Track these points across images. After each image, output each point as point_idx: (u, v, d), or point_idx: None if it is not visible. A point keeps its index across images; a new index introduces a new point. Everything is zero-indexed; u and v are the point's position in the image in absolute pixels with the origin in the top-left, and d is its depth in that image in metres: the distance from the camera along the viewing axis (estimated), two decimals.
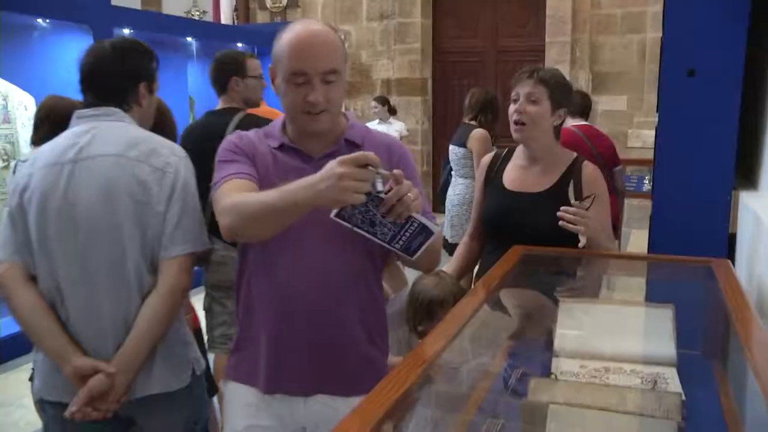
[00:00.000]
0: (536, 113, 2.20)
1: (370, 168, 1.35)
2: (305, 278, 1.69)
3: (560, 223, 2.04)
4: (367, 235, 1.50)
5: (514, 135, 2.26)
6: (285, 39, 1.63)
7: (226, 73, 3.22)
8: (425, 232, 1.49)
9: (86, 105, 1.95)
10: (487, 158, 2.46)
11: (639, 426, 1.35)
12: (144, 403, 1.90)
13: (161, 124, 2.43)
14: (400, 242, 1.52)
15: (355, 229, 1.48)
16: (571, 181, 2.23)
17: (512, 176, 2.34)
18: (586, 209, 2.05)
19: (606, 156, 4.15)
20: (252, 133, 1.76)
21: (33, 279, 1.87)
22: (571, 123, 4.20)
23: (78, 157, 1.84)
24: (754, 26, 2.44)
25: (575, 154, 2.32)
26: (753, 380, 1.31)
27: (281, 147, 1.72)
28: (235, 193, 1.60)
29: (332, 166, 1.36)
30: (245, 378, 1.80)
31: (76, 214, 1.81)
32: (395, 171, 1.42)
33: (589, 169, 2.27)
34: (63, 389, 1.85)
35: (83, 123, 1.91)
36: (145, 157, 1.84)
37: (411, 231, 1.49)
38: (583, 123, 4.28)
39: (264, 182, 1.65)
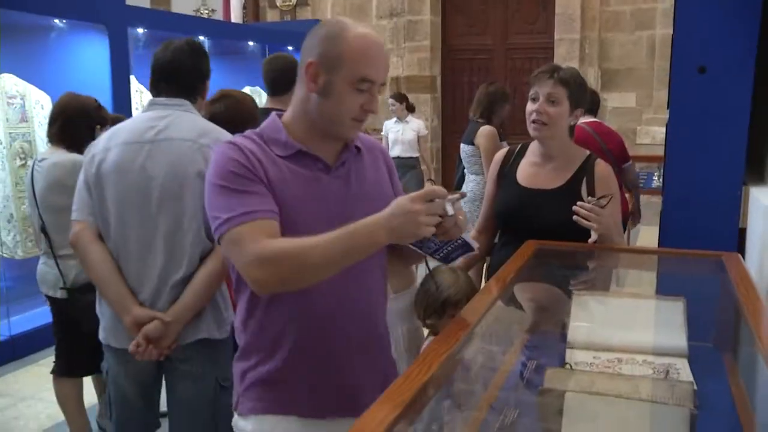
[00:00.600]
0: (556, 114, 2.23)
1: (437, 199, 1.40)
2: (346, 299, 1.61)
3: (574, 218, 2.08)
4: (414, 247, 1.56)
5: (533, 133, 2.28)
6: (352, 41, 1.50)
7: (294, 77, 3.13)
8: (466, 247, 1.57)
9: (158, 94, 2.24)
10: (501, 153, 2.48)
11: (653, 413, 1.40)
12: (190, 348, 2.16)
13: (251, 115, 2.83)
14: (442, 254, 1.60)
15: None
16: (584, 178, 2.26)
17: (526, 172, 2.36)
18: (602, 207, 2.09)
19: (616, 152, 4.17)
20: (249, 143, 1.54)
21: (101, 238, 2.15)
22: (581, 120, 4.22)
23: (156, 138, 2.11)
24: (765, 23, 2.47)
25: (588, 152, 2.35)
26: (764, 370, 1.35)
27: (294, 154, 1.56)
28: (267, 240, 1.44)
29: (404, 205, 1.37)
30: (286, 408, 1.63)
31: (150, 186, 2.09)
32: (461, 192, 1.50)
33: (601, 166, 2.30)
34: (125, 337, 2.15)
35: (158, 110, 2.19)
36: (213, 143, 2.07)
37: (454, 246, 1.56)
38: (593, 120, 4.30)
39: (283, 199, 1.51)
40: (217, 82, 7.48)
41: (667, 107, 2.68)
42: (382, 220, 1.38)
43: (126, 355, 2.14)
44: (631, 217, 4.61)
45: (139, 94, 5.77)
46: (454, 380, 1.51)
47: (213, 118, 2.77)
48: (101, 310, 2.26)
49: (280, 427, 1.62)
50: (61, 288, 3.00)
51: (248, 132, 1.59)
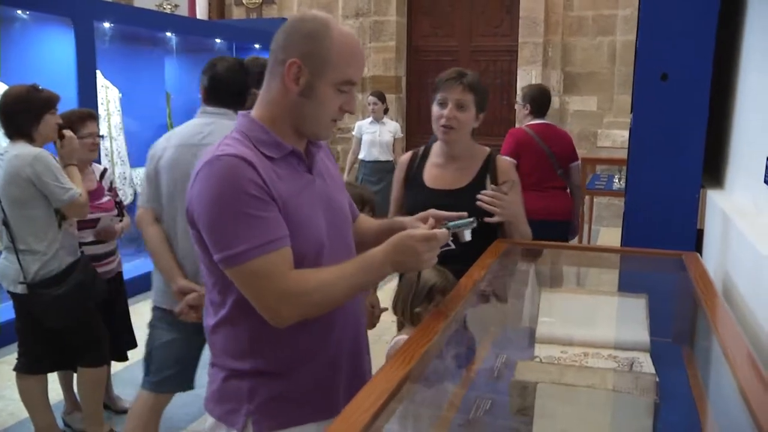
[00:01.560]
0: (464, 119, 2.32)
1: (439, 237, 1.53)
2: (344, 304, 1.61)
3: (478, 203, 2.20)
4: None
5: (441, 137, 2.37)
6: (338, 42, 1.48)
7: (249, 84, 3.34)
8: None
9: (209, 103, 2.64)
10: (406, 157, 2.55)
11: (619, 403, 1.47)
12: None
13: None
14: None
15: None
16: (488, 175, 2.38)
17: (432, 174, 2.44)
18: (505, 194, 2.24)
19: (560, 155, 4.19)
20: (250, 153, 1.45)
21: (158, 220, 2.60)
22: (528, 122, 4.26)
23: (201, 142, 2.50)
24: (722, 35, 2.58)
25: (489, 150, 2.47)
26: (720, 362, 1.43)
27: (286, 155, 1.52)
28: (293, 275, 1.43)
29: (408, 245, 1.48)
30: (305, 418, 1.59)
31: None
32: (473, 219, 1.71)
33: (502, 161, 2.45)
34: (171, 300, 2.58)
35: (206, 117, 2.63)
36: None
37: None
38: (541, 122, 4.27)
39: (286, 207, 1.47)
40: (183, 80, 7.43)
41: (631, 112, 2.78)
42: (389, 256, 1.48)
43: (172, 314, 2.57)
44: (569, 224, 4.43)
45: (105, 89, 5.70)
46: (428, 376, 1.56)
47: None
48: (155, 276, 2.69)
49: None
50: (21, 283, 2.97)
51: (233, 136, 1.51)
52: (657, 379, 1.60)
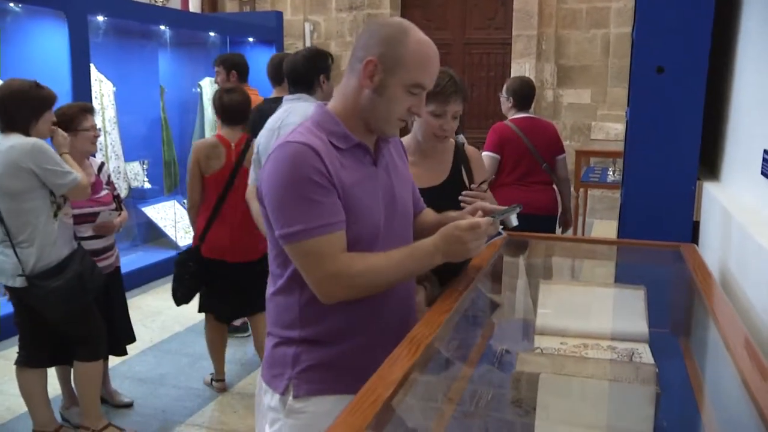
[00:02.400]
0: (455, 126, 2.34)
1: (483, 225, 1.63)
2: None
3: (462, 204, 2.19)
4: None
5: (432, 142, 2.34)
6: (413, 48, 1.59)
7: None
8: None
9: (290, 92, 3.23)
10: None
11: (621, 393, 1.49)
12: None
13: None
14: None
15: None
16: (462, 167, 2.41)
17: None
18: (485, 192, 2.29)
19: (543, 148, 4.13)
20: (318, 142, 1.56)
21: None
22: (512, 116, 4.21)
23: (280, 125, 3.03)
24: (718, 28, 2.60)
25: (453, 141, 2.47)
26: (719, 351, 1.45)
27: (352, 147, 1.63)
28: (345, 257, 1.55)
29: (455, 234, 1.60)
30: (346, 388, 1.58)
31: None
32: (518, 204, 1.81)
33: (470, 150, 2.50)
34: None
35: (287, 104, 3.20)
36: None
37: None
38: (525, 116, 4.21)
39: (348, 195, 1.58)
40: (177, 74, 7.40)
41: (627, 105, 2.80)
42: (439, 246, 1.61)
43: None
44: (561, 217, 4.39)
45: (99, 83, 5.68)
46: (428, 368, 1.58)
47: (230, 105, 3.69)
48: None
49: (340, 405, 1.57)
50: (20, 275, 2.96)
51: (307, 125, 1.63)
52: (657, 370, 1.62)
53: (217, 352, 3.89)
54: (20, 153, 2.86)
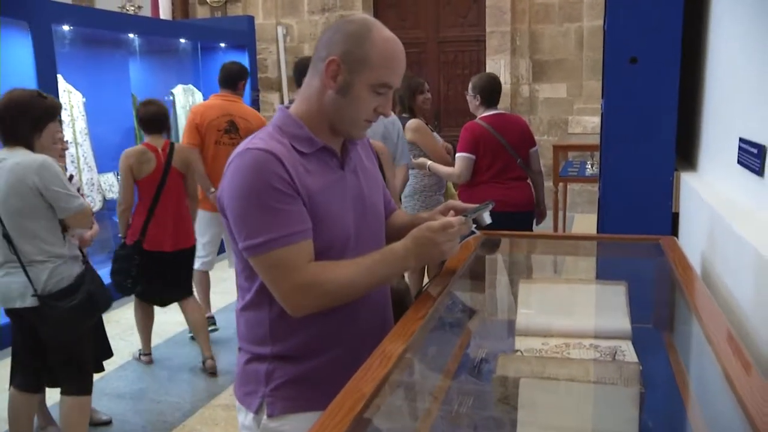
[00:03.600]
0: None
1: (456, 225, 1.58)
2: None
3: None
4: None
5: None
6: (379, 45, 1.52)
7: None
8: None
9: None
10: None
11: (605, 394, 1.45)
12: None
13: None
14: None
15: None
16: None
17: None
18: None
19: (516, 144, 4.12)
20: (280, 147, 1.50)
21: None
22: (482, 113, 4.18)
23: None
24: (690, 17, 2.58)
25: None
26: (702, 345, 1.41)
27: (316, 151, 1.56)
28: (311, 267, 1.48)
29: (426, 236, 1.54)
30: (322, 404, 1.46)
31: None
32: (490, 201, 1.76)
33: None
34: None
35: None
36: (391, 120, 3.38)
37: None
38: (494, 113, 4.16)
39: (314, 201, 1.51)
40: (148, 82, 7.33)
41: (602, 97, 2.76)
42: (410, 249, 1.55)
43: None
44: (535, 209, 4.35)
45: (68, 94, 5.58)
46: (405, 374, 1.53)
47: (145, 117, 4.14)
48: None
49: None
50: (33, 295, 2.84)
51: (269, 130, 1.56)
52: (641, 368, 1.58)
53: (144, 330, 4.39)
54: (26, 170, 2.74)
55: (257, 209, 1.45)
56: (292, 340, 1.58)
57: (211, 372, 4.18)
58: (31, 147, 2.83)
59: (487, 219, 1.73)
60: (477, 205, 1.73)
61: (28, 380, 3.11)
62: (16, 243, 2.80)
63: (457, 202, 1.78)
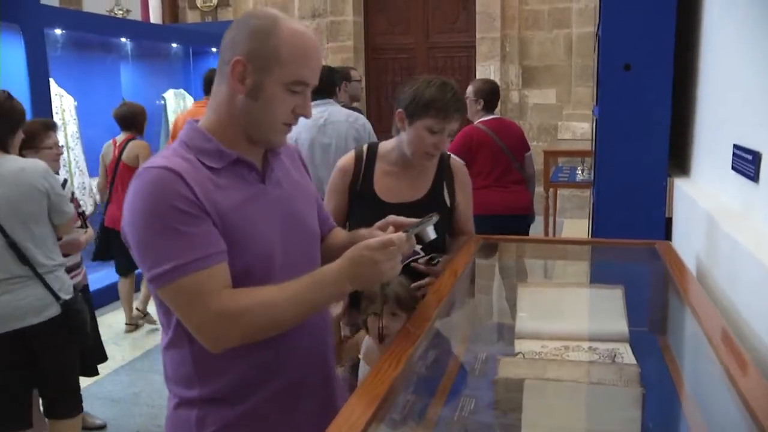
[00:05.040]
0: (448, 145, 2.17)
1: (397, 243, 1.38)
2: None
3: (412, 265, 2.07)
4: None
5: (421, 161, 2.15)
6: (286, 39, 1.35)
7: (340, 78, 4.43)
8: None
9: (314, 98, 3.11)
10: (348, 162, 2.23)
11: (607, 395, 1.47)
12: None
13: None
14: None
15: None
16: (444, 182, 2.22)
17: (385, 185, 2.18)
18: (435, 266, 2.09)
19: (513, 148, 4.18)
20: (184, 164, 1.32)
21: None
22: (479, 120, 4.22)
23: (327, 122, 3.66)
24: (683, 24, 2.62)
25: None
26: (702, 347, 1.44)
27: (229, 164, 1.39)
28: (228, 294, 1.30)
29: (365, 255, 1.34)
30: None
31: (331, 148, 3.62)
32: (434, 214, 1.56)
33: (455, 163, 2.27)
34: None
35: (318, 107, 3.61)
36: (354, 120, 3.73)
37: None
38: (492, 117, 4.24)
39: (228, 221, 1.34)
40: (139, 86, 7.30)
41: (595, 103, 2.80)
42: (345, 271, 1.35)
43: None
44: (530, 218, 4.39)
45: (60, 98, 5.56)
46: (414, 375, 1.55)
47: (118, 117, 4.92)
48: None
49: None
50: (58, 302, 2.71)
51: (175, 147, 1.39)
52: (639, 370, 1.61)
53: (126, 302, 5.05)
54: (35, 175, 2.65)
55: (159, 234, 1.27)
56: (220, 381, 1.40)
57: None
58: (6, 150, 2.71)
59: (431, 234, 1.55)
60: (419, 220, 1.55)
61: (12, 418, 2.81)
62: (29, 252, 2.65)
63: (399, 218, 1.59)
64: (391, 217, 1.59)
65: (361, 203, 2.18)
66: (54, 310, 2.71)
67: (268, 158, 1.48)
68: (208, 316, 1.28)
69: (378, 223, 1.60)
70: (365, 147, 2.25)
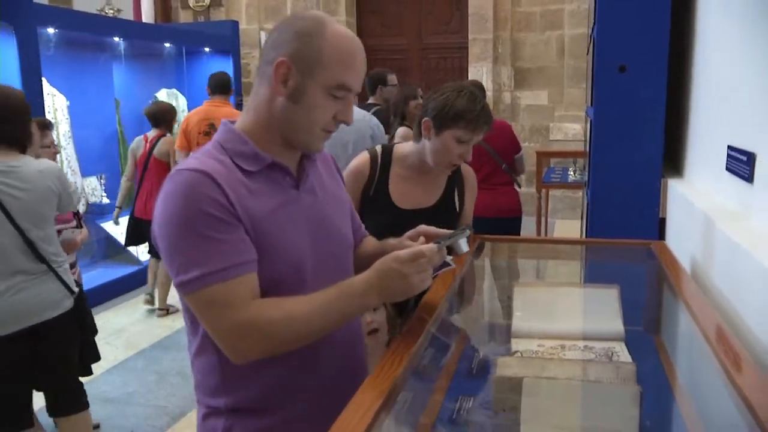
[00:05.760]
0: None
1: (428, 255, 1.34)
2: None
3: None
4: None
5: (444, 170, 2.16)
6: (332, 41, 1.32)
7: (376, 82, 4.94)
8: (444, 264, 1.53)
9: None
10: (363, 164, 2.21)
11: (606, 393, 1.49)
12: None
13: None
14: None
15: None
16: (456, 188, 2.24)
17: (400, 191, 2.18)
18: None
19: (501, 149, 4.18)
20: (218, 166, 1.29)
21: None
22: None
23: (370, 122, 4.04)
24: (678, 26, 2.64)
25: None
26: (697, 344, 1.46)
27: (264, 168, 1.35)
28: (256, 305, 1.27)
29: (393, 268, 1.31)
30: None
31: (349, 147, 3.80)
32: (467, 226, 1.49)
33: (466, 169, 2.31)
34: None
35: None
36: (369, 118, 3.99)
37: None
38: None
39: (260, 226, 1.30)
40: (132, 86, 7.29)
41: (590, 105, 2.82)
42: (374, 284, 1.31)
43: None
44: (519, 221, 4.36)
45: (52, 97, 5.55)
46: (414, 374, 1.55)
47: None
48: None
49: None
50: (72, 295, 2.82)
51: (209, 148, 1.36)
52: (636, 368, 1.63)
53: (162, 285, 5.30)
54: (51, 177, 2.71)
55: (189, 239, 1.24)
56: (248, 391, 1.38)
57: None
58: (25, 149, 2.75)
59: (464, 247, 1.52)
60: (452, 231, 1.52)
61: (13, 420, 2.82)
62: (43, 250, 2.71)
63: (430, 228, 1.55)
64: (422, 227, 1.56)
65: (375, 207, 2.17)
66: (69, 302, 2.82)
67: (303, 164, 1.44)
68: (234, 327, 1.25)
69: (408, 233, 1.57)
70: (379, 150, 2.23)
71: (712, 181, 2.20)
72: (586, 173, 3.28)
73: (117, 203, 5.47)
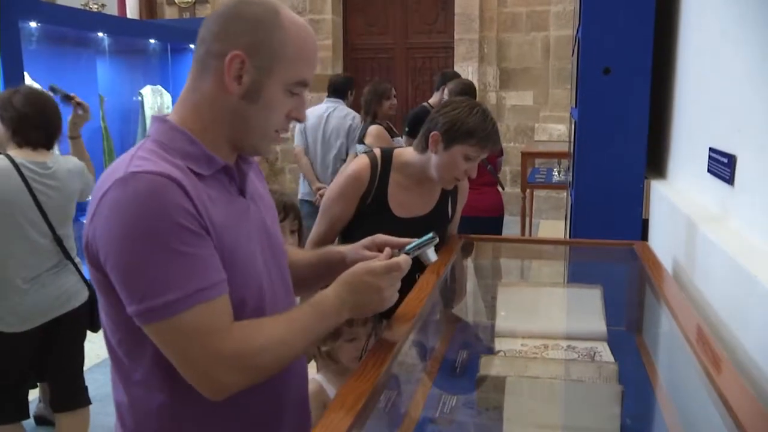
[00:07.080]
0: None
1: (401, 269, 1.28)
2: None
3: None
4: None
5: (447, 185, 2.15)
6: (294, 32, 1.16)
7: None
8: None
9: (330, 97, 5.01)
10: (363, 169, 2.13)
11: (587, 392, 1.50)
12: None
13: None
14: None
15: None
16: (449, 196, 2.23)
17: (399, 200, 2.14)
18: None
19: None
20: (176, 171, 1.09)
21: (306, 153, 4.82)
22: None
23: (330, 115, 4.85)
24: (662, 30, 2.67)
25: None
26: (677, 344, 1.47)
27: (217, 172, 1.18)
28: (239, 332, 1.10)
29: (366, 281, 1.24)
30: None
31: (330, 137, 4.83)
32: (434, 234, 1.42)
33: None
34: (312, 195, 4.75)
35: (327, 103, 4.94)
36: (353, 117, 4.81)
37: None
38: None
39: (220, 239, 1.13)
40: (116, 82, 7.24)
41: (575, 106, 2.84)
42: (345, 299, 1.23)
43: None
44: (501, 221, 4.39)
45: None
46: (396, 374, 1.56)
47: None
48: (302, 182, 5.04)
49: None
50: (89, 286, 2.88)
51: (148, 147, 1.14)
52: (618, 367, 1.64)
53: None
54: (78, 175, 2.85)
55: (157, 257, 1.03)
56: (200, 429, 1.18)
57: None
58: (50, 149, 2.83)
59: (431, 257, 1.44)
60: (417, 240, 1.42)
61: (17, 409, 2.87)
62: (69, 246, 2.81)
63: (391, 238, 1.46)
64: (380, 236, 1.47)
65: (371, 215, 2.11)
66: (85, 293, 2.89)
67: (241, 168, 1.26)
68: (218, 358, 1.07)
69: (364, 242, 1.47)
70: (379, 154, 2.16)
71: (694, 182, 2.22)
72: (570, 174, 3.30)
73: None
